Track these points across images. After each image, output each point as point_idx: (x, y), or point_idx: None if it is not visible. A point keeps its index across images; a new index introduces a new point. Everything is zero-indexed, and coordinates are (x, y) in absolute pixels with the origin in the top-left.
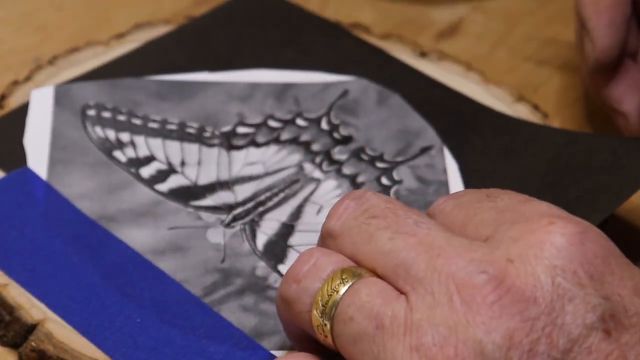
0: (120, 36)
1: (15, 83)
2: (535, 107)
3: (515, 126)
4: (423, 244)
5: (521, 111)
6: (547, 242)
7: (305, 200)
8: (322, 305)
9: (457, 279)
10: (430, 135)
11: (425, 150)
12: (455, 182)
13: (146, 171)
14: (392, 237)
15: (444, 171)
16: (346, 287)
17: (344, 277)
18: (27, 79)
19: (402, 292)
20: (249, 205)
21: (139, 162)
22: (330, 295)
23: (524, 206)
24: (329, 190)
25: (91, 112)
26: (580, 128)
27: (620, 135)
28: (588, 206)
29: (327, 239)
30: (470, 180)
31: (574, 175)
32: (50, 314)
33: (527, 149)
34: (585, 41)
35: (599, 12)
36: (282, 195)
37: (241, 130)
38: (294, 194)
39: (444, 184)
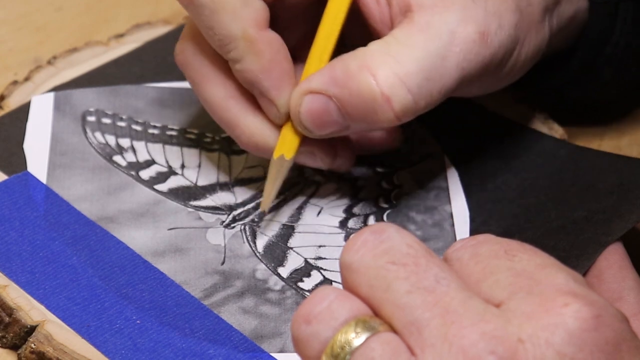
0: (119, 36)
1: (15, 83)
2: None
3: (517, 133)
4: (439, 305)
5: (521, 111)
6: (560, 326)
7: (305, 202)
8: (333, 356)
9: (467, 355)
10: (430, 143)
11: (425, 157)
12: (456, 190)
13: (146, 173)
14: (410, 291)
15: (445, 178)
16: (359, 342)
17: (357, 330)
18: (27, 79)
19: (412, 352)
20: (249, 205)
21: (139, 166)
22: (342, 348)
23: (541, 273)
24: (329, 192)
25: (91, 118)
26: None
27: (623, 155)
28: (597, 229)
29: (344, 270)
30: (471, 188)
31: (580, 194)
32: (49, 315)
33: (530, 158)
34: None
35: (267, 70)
36: (282, 197)
37: None
38: (294, 196)
39: (445, 190)
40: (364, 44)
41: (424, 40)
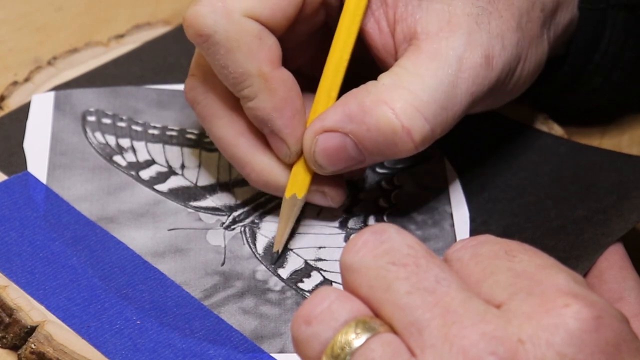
0: (119, 37)
1: (15, 84)
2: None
3: (517, 132)
4: (440, 306)
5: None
6: (561, 326)
7: (305, 202)
8: (333, 357)
9: (467, 356)
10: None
11: (425, 158)
12: (456, 190)
13: (146, 173)
14: (410, 292)
15: (445, 178)
16: (360, 342)
17: (357, 330)
18: (27, 79)
19: (412, 353)
20: (249, 207)
21: (139, 166)
22: (342, 348)
23: (542, 274)
24: None
25: (91, 118)
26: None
27: (623, 153)
28: (597, 229)
29: (344, 271)
30: (471, 188)
31: (580, 193)
32: (49, 315)
33: (529, 157)
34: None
35: (280, 109)
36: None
37: None
38: None
39: (445, 191)
40: (366, 72)
41: (434, 68)
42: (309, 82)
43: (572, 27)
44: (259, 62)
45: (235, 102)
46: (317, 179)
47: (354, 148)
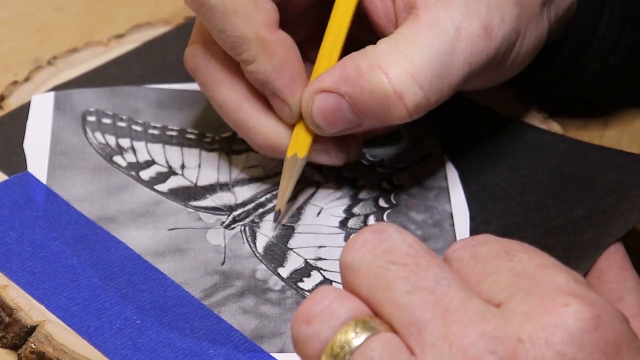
0: (119, 37)
1: (15, 83)
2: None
3: (516, 130)
4: (440, 305)
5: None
6: (560, 326)
7: (305, 202)
8: (332, 356)
9: (467, 355)
10: (430, 143)
11: (425, 157)
12: (456, 189)
13: (146, 174)
14: (410, 291)
15: (445, 178)
16: (359, 341)
17: (357, 330)
18: (27, 79)
19: (412, 352)
20: (249, 206)
21: (139, 166)
22: (342, 347)
23: (541, 273)
24: (329, 193)
25: (91, 118)
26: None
27: (623, 150)
28: (597, 229)
29: (344, 270)
30: (471, 187)
31: (580, 192)
32: (49, 315)
33: (529, 155)
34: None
35: (280, 71)
36: None
37: None
38: (294, 197)
39: (445, 190)
40: (368, 40)
41: (431, 37)
42: (308, 62)
43: (572, 10)
44: (256, 25)
45: (236, 67)
46: (321, 138)
47: (350, 110)
